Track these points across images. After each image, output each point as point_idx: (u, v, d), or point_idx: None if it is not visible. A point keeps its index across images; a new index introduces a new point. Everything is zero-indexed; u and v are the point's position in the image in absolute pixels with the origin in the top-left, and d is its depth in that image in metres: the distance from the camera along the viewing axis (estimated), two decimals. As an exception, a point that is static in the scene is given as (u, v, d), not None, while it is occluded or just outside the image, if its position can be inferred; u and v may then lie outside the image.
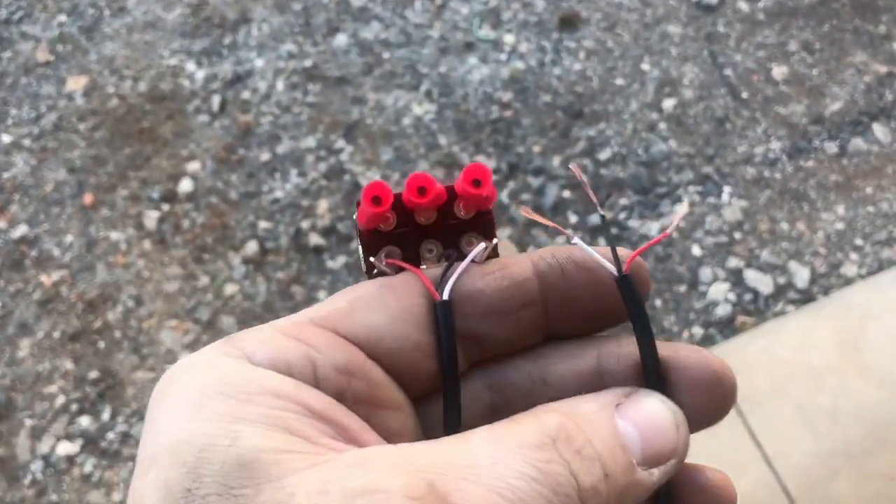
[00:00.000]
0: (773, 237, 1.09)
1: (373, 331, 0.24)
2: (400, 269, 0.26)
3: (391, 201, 0.25)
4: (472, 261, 0.26)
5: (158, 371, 1.06)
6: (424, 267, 0.26)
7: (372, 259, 0.26)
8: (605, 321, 0.26)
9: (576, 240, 0.25)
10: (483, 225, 0.27)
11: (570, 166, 0.23)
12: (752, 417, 0.90)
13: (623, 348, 0.25)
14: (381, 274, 0.26)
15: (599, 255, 0.25)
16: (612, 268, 0.24)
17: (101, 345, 1.07)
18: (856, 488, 0.87)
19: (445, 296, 0.25)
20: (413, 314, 0.24)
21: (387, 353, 0.24)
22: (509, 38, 1.28)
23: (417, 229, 0.26)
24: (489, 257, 0.26)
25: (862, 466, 0.88)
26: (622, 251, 0.25)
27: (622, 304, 0.24)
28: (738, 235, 1.09)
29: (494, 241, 0.26)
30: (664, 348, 0.25)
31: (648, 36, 1.27)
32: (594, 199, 0.25)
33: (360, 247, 0.27)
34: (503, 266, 0.25)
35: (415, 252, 0.26)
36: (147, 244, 1.13)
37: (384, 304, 0.24)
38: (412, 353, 0.24)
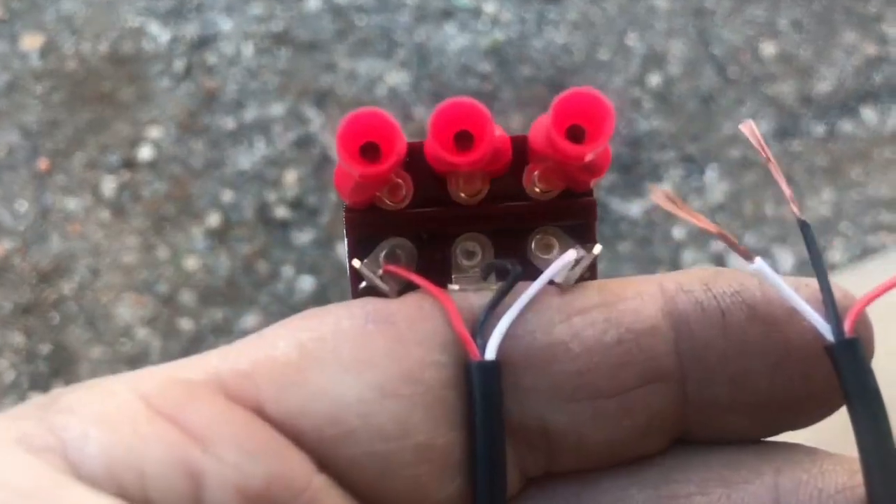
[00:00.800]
0: (757, 221, 1.08)
1: (336, 414, 0.13)
2: (409, 287, 0.15)
3: (400, 155, 0.14)
4: (552, 282, 0.15)
5: (114, 346, 1.04)
6: (456, 287, 0.15)
7: (358, 264, 0.15)
8: (796, 418, 0.15)
9: (758, 262, 0.14)
10: (577, 216, 0.16)
11: (742, 127, 0.14)
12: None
13: (826, 476, 0.15)
14: (375, 293, 0.15)
15: (798, 294, 0.14)
16: (823, 324, 0.14)
17: (55, 318, 1.05)
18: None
19: (491, 353, 0.14)
20: (422, 383, 0.14)
21: (362, 464, 0.14)
22: (489, 7, 1.25)
23: (451, 212, 0.15)
24: (581, 279, 0.15)
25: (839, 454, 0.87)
26: (841, 293, 0.14)
27: (834, 388, 0.14)
28: (720, 218, 1.08)
29: (596, 248, 0.16)
30: None
31: (634, 9, 1.25)
32: (788, 194, 0.15)
33: (346, 238, 0.16)
34: (611, 299, 0.15)
35: (443, 254, 0.16)
36: (105, 213, 1.10)
37: (366, 358, 0.14)
38: (415, 464, 0.14)
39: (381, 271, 0.15)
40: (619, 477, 0.15)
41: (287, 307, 1.04)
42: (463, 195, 0.16)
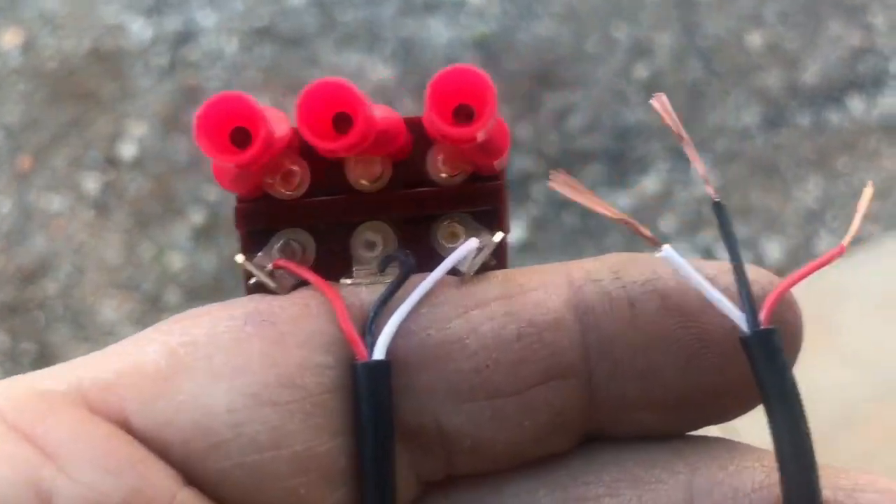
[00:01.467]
0: (744, 212, 1.07)
1: (205, 424, 0.13)
2: (305, 282, 0.14)
3: (267, 142, 0.13)
4: (456, 273, 0.14)
5: (99, 344, 1.03)
6: (348, 282, 0.14)
7: (241, 259, 0.14)
8: (713, 414, 0.14)
9: (665, 249, 0.13)
10: (485, 201, 0.15)
11: (653, 102, 0.13)
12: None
13: (743, 474, 0.14)
14: (264, 290, 0.14)
15: (709, 282, 0.13)
16: (737, 314, 0.13)
17: (40, 318, 1.04)
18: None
19: (380, 352, 0.13)
20: (301, 388, 0.13)
21: (233, 477, 0.13)
22: (475, 0, 1.25)
23: (350, 200, 0.14)
24: (486, 268, 0.14)
25: (832, 447, 0.87)
26: (759, 276, 0.13)
27: (750, 383, 0.13)
28: (708, 209, 1.07)
29: (497, 236, 0.15)
30: (831, 478, 0.13)
31: (619, 1, 1.24)
32: (701, 173, 0.14)
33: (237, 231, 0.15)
34: (513, 291, 0.14)
35: (343, 245, 0.15)
36: (88, 211, 1.09)
37: (241, 363, 0.13)
38: (292, 475, 0.13)
39: (271, 266, 0.14)
40: (526, 479, 0.14)
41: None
42: (363, 181, 0.15)
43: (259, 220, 0.15)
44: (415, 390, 0.13)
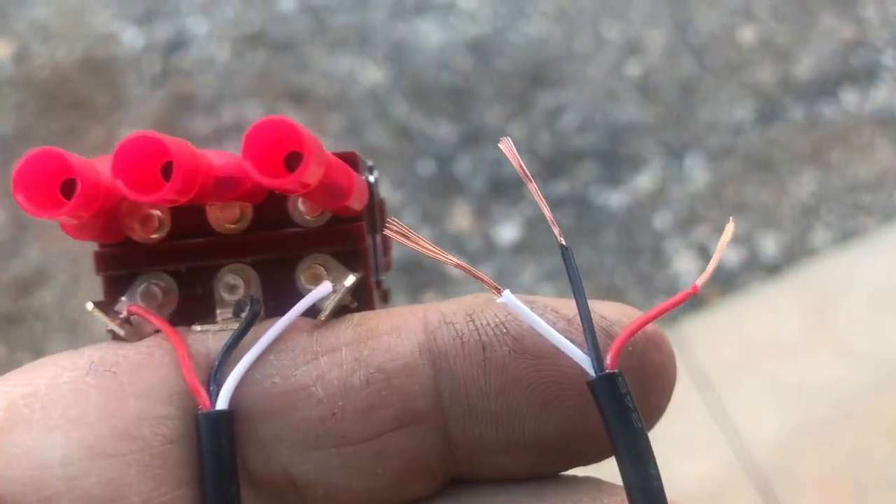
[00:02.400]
0: (739, 207, 1.07)
1: (39, 477, 0.12)
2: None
3: (99, 189, 0.12)
4: (314, 314, 0.14)
5: (97, 355, 1.03)
6: (198, 328, 0.14)
7: (90, 306, 0.15)
8: (577, 456, 0.14)
9: (506, 295, 0.13)
10: (345, 242, 0.14)
11: (500, 145, 0.14)
12: (719, 393, 0.88)
13: None
14: (116, 338, 0.15)
15: (563, 327, 0.13)
16: (582, 358, 0.13)
17: (36, 327, 1.03)
18: (822, 463, 0.86)
19: (223, 402, 0.13)
20: (139, 440, 0.13)
21: None
22: (465, 2, 1.24)
23: (210, 243, 0.14)
24: (346, 311, 0.14)
25: (829, 441, 0.87)
26: (616, 314, 0.13)
27: (602, 426, 0.13)
28: (702, 205, 1.07)
29: (348, 280, 0.14)
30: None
31: (610, 0, 1.24)
32: (549, 217, 0.14)
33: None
34: (364, 335, 0.13)
35: (205, 288, 0.14)
36: (83, 221, 1.09)
37: (77, 415, 0.13)
38: None
39: (123, 314, 0.14)
40: None
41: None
42: (224, 224, 0.14)
43: (119, 265, 0.14)
44: (261, 440, 0.13)
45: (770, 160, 1.11)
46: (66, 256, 1.06)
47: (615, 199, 1.07)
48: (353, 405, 0.13)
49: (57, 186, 0.13)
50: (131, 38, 1.22)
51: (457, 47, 1.20)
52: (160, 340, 0.13)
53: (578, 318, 0.13)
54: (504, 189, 1.09)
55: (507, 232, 1.05)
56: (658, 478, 0.12)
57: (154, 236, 0.14)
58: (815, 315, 0.92)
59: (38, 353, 1.02)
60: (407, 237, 0.13)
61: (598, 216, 1.07)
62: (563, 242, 0.14)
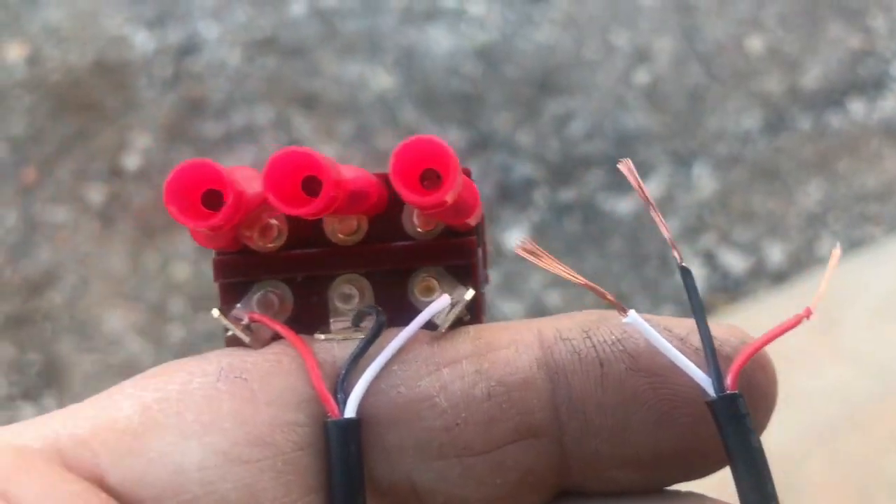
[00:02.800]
0: (746, 216, 1.07)
1: (177, 482, 0.12)
2: (278, 335, 0.14)
3: (243, 200, 0.13)
4: (431, 325, 0.14)
5: (105, 354, 1.03)
6: (322, 337, 0.14)
7: (216, 314, 0.14)
8: (686, 471, 0.14)
9: (631, 315, 0.13)
10: (457, 256, 0.15)
11: (620, 166, 0.13)
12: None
13: None
14: (240, 343, 0.15)
15: (680, 342, 0.13)
16: (704, 378, 0.13)
17: (45, 328, 1.04)
18: (828, 470, 0.86)
19: (351, 410, 0.13)
20: (272, 446, 0.13)
21: None
22: (475, 8, 1.25)
23: (326, 253, 0.15)
24: (460, 323, 0.14)
25: (834, 448, 0.87)
26: (730, 335, 0.14)
27: (718, 442, 0.13)
28: (709, 213, 1.07)
29: (468, 294, 0.14)
30: None
31: (618, 7, 1.24)
32: (668, 238, 0.14)
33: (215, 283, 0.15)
34: (483, 349, 0.14)
35: (320, 297, 0.15)
36: (93, 222, 1.09)
37: (211, 421, 0.13)
38: None
39: (247, 319, 0.14)
40: None
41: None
42: (339, 235, 0.15)
43: (237, 273, 0.15)
44: (385, 448, 0.13)
45: (777, 169, 1.11)
46: (75, 258, 1.07)
47: (623, 205, 1.08)
48: (475, 417, 0.13)
49: (200, 196, 0.13)
50: (143, 41, 1.22)
51: (466, 54, 1.21)
52: (285, 348, 0.13)
53: (691, 337, 0.14)
54: (512, 195, 1.09)
55: (516, 238, 1.05)
56: (776, 497, 0.13)
57: (271, 245, 0.14)
58: (821, 323, 0.92)
59: (47, 353, 1.02)
60: (539, 257, 0.14)
61: (606, 223, 1.07)
62: (683, 264, 0.15)
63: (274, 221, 0.15)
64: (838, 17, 1.24)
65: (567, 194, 1.09)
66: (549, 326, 0.14)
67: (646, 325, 0.13)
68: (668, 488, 0.15)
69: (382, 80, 1.19)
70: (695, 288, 0.15)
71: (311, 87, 1.19)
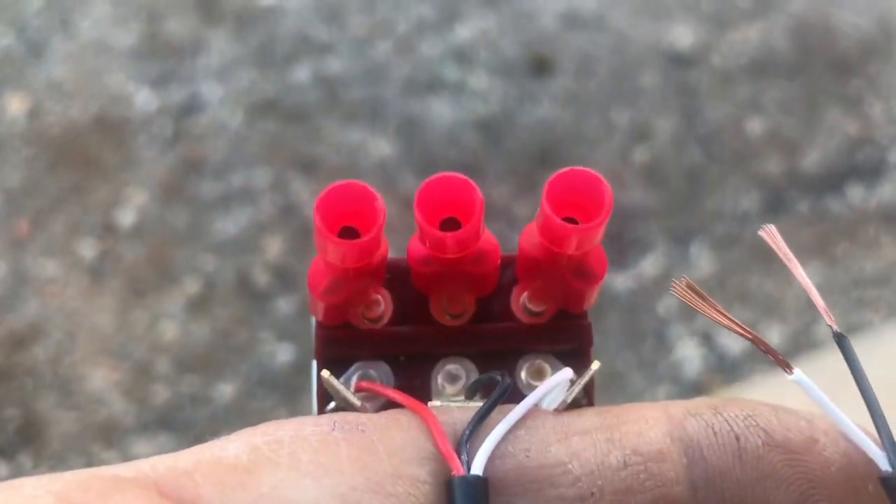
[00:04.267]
0: (743, 297, 1.07)
1: None
2: (385, 405, 0.14)
3: (378, 224, 0.13)
4: (542, 409, 0.14)
5: (86, 413, 1.01)
6: (438, 403, 0.14)
7: (327, 374, 0.14)
8: None
9: (797, 373, 0.13)
10: (571, 340, 0.15)
11: (762, 233, 0.13)
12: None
13: None
14: (346, 407, 0.14)
15: (852, 422, 0.13)
16: (876, 452, 0.13)
17: (27, 383, 1.02)
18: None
19: (478, 468, 0.12)
20: (394, 497, 0.12)
21: None
22: (476, 81, 1.26)
23: (434, 331, 0.14)
24: (576, 404, 0.14)
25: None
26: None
27: None
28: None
29: (595, 365, 0.14)
30: None
31: (620, 86, 1.26)
32: (821, 307, 0.13)
33: (314, 357, 0.15)
34: (612, 422, 0.13)
35: (423, 379, 0.14)
36: (83, 277, 1.08)
37: (328, 463, 0.12)
38: None
39: (352, 387, 0.14)
40: None
41: (267, 375, 1.02)
42: (447, 314, 0.14)
43: (339, 347, 0.14)
44: None
45: (775, 252, 1.11)
46: (62, 313, 1.06)
47: (619, 282, 1.07)
48: (611, 486, 0.12)
49: (339, 227, 0.13)
50: (145, 100, 1.23)
51: (466, 125, 1.22)
52: (401, 409, 0.13)
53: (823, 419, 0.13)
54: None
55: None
56: None
57: (375, 322, 0.14)
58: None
59: (27, 410, 1.00)
60: (704, 301, 0.13)
61: (602, 299, 1.06)
62: (838, 329, 0.14)
63: (379, 297, 0.14)
64: (837, 103, 1.25)
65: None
66: (676, 405, 0.13)
67: (814, 386, 0.13)
68: None
69: (383, 147, 1.19)
70: (855, 357, 0.14)
71: (312, 151, 1.19)
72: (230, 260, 1.10)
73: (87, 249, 1.10)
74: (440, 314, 0.15)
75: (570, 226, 0.14)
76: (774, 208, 1.15)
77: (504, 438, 0.13)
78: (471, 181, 0.14)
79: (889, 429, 0.13)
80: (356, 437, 0.13)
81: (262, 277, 1.09)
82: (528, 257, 0.15)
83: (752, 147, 1.21)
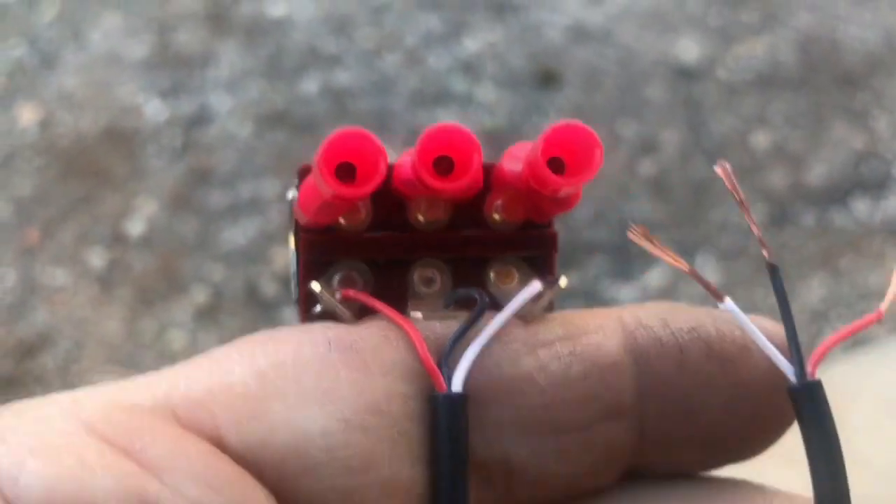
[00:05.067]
0: (748, 309, 1.06)
1: (300, 446, 0.13)
2: (366, 313, 0.15)
3: (379, 179, 0.14)
4: (518, 315, 0.14)
5: (94, 423, 1.02)
6: (419, 315, 0.15)
7: (315, 286, 0.15)
8: (741, 451, 0.16)
9: (727, 301, 0.15)
10: (537, 248, 0.15)
11: (717, 168, 0.14)
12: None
13: None
14: (330, 317, 0.15)
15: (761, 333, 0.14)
16: (787, 366, 0.14)
17: (36, 392, 1.02)
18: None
19: (458, 385, 0.13)
20: (388, 415, 0.13)
21: (325, 499, 0.13)
22: (484, 93, 1.27)
23: (411, 238, 0.15)
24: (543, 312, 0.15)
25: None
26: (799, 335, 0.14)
27: (777, 425, 0.15)
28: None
29: (562, 281, 0.15)
30: None
31: (626, 99, 1.27)
32: (757, 234, 0.15)
33: (293, 256, 0.16)
34: (574, 332, 0.15)
35: (400, 280, 0.15)
36: (93, 286, 1.09)
37: (330, 388, 0.13)
38: (379, 500, 0.13)
39: (338, 296, 0.15)
40: None
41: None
42: (423, 220, 0.15)
43: (323, 250, 0.15)
44: (486, 424, 0.14)
45: (780, 264, 1.11)
46: (71, 322, 1.06)
47: (624, 293, 1.07)
48: (571, 395, 0.14)
49: (334, 167, 0.13)
50: (155, 110, 1.24)
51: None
52: (388, 323, 0.14)
53: (776, 331, 0.15)
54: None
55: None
56: (846, 483, 0.14)
57: (357, 227, 0.15)
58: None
59: (35, 417, 1.01)
60: (652, 243, 0.15)
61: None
62: (773, 262, 0.15)
63: (360, 203, 0.15)
64: (842, 117, 1.26)
65: (570, 279, 1.09)
66: (629, 314, 0.15)
67: (739, 311, 0.15)
68: (723, 475, 0.16)
69: (391, 159, 1.20)
70: (782, 283, 0.16)
71: (319, 162, 1.20)
72: (238, 270, 1.11)
73: (97, 259, 1.11)
74: (417, 220, 0.15)
75: (557, 177, 0.14)
76: (780, 221, 1.15)
77: (479, 353, 0.14)
78: (471, 132, 0.14)
79: (799, 346, 0.14)
80: (351, 357, 0.13)
81: (269, 287, 1.09)
82: (507, 176, 0.16)
83: (757, 160, 1.21)
